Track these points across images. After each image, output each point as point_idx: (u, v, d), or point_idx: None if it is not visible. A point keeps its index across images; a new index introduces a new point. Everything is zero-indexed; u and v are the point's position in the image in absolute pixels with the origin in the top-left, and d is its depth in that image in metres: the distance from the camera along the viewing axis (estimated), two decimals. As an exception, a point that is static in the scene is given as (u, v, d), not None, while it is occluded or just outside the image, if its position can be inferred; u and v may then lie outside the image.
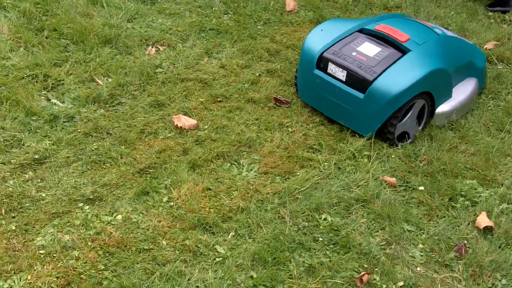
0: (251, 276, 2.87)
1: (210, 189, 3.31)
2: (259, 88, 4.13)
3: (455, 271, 2.99)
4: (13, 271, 2.80)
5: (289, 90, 4.13)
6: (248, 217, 3.17)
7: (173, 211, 3.17)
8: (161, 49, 4.42)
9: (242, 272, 2.89)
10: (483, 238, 3.15)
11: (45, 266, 2.83)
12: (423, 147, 3.68)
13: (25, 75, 3.98)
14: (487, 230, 3.19)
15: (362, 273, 2.91)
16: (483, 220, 3.21)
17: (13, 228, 3.00)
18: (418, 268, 2.99)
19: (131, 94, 3.96)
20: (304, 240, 3.06)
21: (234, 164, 3.51)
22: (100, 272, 2.83)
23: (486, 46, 4.73)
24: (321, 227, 3.15)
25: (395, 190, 3.42)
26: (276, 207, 3.24)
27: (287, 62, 4.41)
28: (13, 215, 3.07)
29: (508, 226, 3.20)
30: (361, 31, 3.93)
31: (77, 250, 2.92)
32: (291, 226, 3.14)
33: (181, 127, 3.70)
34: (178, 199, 3.23)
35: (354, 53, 3.74)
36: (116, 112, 3.80)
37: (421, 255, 3.05)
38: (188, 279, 2.82)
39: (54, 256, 2.88)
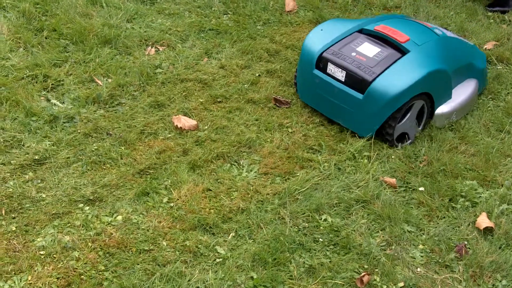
0: (252, 277, 2.87)
1: (210, 190, 3.31)
2: (258, 88, 4.13)
3: (455, 271, 2.99)
4: (13, 272, 2.79)
5: (289, 91, 4.13)
6: (248, 218, 3.17)
7: (173, 211, 3.16)
8: (160, 49, 4.41)
9: (242, 273, 2.89)
10: (483, 239, 3.15)
11: (46, 267, 2.83)
12: (423, 148, 3.69)
13: (25, 76, 3.97)
14: (487, 230, 3.19)
15: (363, 273, 2.91)
16: (483, 221, 3.21)
17: (14, 228, 3.00)
18: (419, 269, 2.99)
19: (131, 94, 3.95)
20: (304, 240, 3.06)
21: (234, 165, 3.51)
22: (100, 272, 2.83)
23: (485, 47, 4.73)
24: (321, 227, 3.15)
25: (395, 190, 3.42)
26: (276, 207, 3.24)
27: (286, 63, 4.41)
28: (13, 215, 3.07)
29: (508, 227, 3.20)
30: (361, 31, 3.93)
31: (78, 251, 2.91)
32: (291, 226, 3.14)
33: (181, 127, 3.70)
34: (178, 199, 3.23)
35: (353, 54, 3.74)
36: (116, 112, 3.80)
37: (422, 256, 3.05)
38: (189, 280, 2.82)
39: (54, 257, 2.88)
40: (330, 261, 2.98)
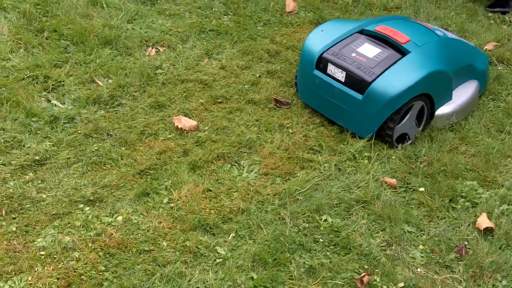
0: (252, 277, 2.87)
1: (210, 190, 3.31)
2: (259, 89, 4.13)
3: (455, 272, 2.99)
4: (13, 272, 2.80)
5: (289, 91, 4.13)
6: (248, 218, 3.17)
7: (174, 212, 3.17)
8: (161, 50, 4.42)
9: (242, 273, 2.89)
10: (484, 239, 3.15)
11: (46, 267, 2.83)
12: (423, 148, 3.69)
13: (25, 76, 3.98)
14: (488, 231, 3.19)
15: (363, 274, 2.91)
16: (484, 221, 3.21)
17: (14, 229, 3.00)
18: (419, 269, 2.99)
19: (131, 95, 3.96)
20: (304, 241, 3.06)
21: (235, 165, 3.51)
22: (100, 273, 2.84)
23: (486, 47, 4.74)
24: (322, 228, 3.15)
25: (396, 191, 3.42)
26: (277, 208, 3.24)
27: (287, 63, 4.41)
28: (13, 216, 3.07)
29: (508, 227, 3.20)
30: (362, 32, 3.93)
31: (78, 251, 2.92)
32: (291, 227, 3.14)
33: (181, 128, 3.70)
34: (178, 200, 3.24)
35: (353, 54, 3.74)
36: (116, 113, 3.80)
37: (422, 256, 3.05)
38: (189, 280, 2.82)
39: (54, 257, 2.88)
40: (330, 262, 2.98)
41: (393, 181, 3.45)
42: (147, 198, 3.24)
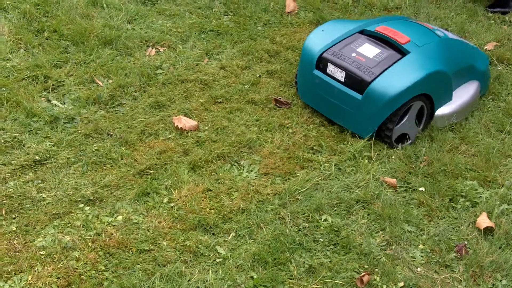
0: (252, 277, 2.87)
1: (210, 190, 3.32)
2: (259, 89, 4.13)
3: (455, 271, 2.99)
4: (13, 272, 2.80)
5: (289, 91, 4.13)
6: (248, 218, 3.17)
7: (174, 212, 3.17)
8: (161, 50, 4.42)
9: (242, 273, 2.89)
10: (484, 239, 3.15)
11: (46, 267, 2.83)
12: (423, 148, 3.69)
13: (26, 76, 3.98)
14: (488, 230, 3.19)
15: (363, 273, 2.91)
16: (484, 221, 3.21)
17: (14, 229, 3.00)
18: (419, 269, 2.99)
19: (132, 95, 3.96)
20: (304, 240, 3.06)
21: (235, 165, 3.51)
22: (100, 272, 2.84)
23: (486, 47, 4.74)
24: (322, 227, 3.15)
25: (396, 191, 3.42)
26: (277, 208, 3.24)
27: (287, 63, 4.41)
28: (13, 216, 3.07)
29: (508, 227, 3.20)
30: (362, 32, 3.93)
31: (78, 251, 2.92)
32: (291, 227, 3.14)
33: (181, 128, 3.70)
34: (178, 200, 3.24)
35: (353, 54, 3.74)
36: (116, 113, 3.80)
37: (422, 256, 3.05)
38: (189, 280, 2.82)
39: (54, 257, 2.88)
40: (330, 261, 2.98)
41: (393, 180, 3.45)
42: (147, 198, 3.24)
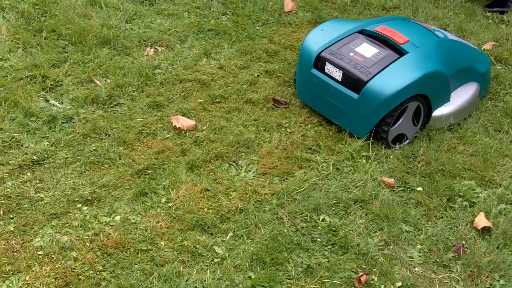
0: (249, 277, 2.87)
1: (208, 190, 3.32)
2: (257, 88, 4.13)
3: (453, 271, 2.99)
4: (11, 272, 2.80)
5: (288, 91, 4.13)
6: (246, 218, 3.17)
7: (172, 212, 3.17)
8: (159, 50, 4.42)
9: (240, 273, 2.89)
10: (481, 239, 3.15)
11: (44, 267, 2.83)
12: (421, 148, 3.69)
13: (24, 76, 3.98)
14: (485, 230, 3.20)
15: (360, 273, 2.91)
16: (481, 221, 3.22)
17: (12, 229, 3.00)
18: (416, 269, 2.99)
19: (130, 95, 3.96)
20: (302, 240, 3.07)
21: (233, 165, 3.51)
22: (98, 273, 2.84)
23: (484, 47, 4.74)
24: (319, 227, 3.15)
25: (393, 190, 3.42)
26: (275, 207, 3.24)
27: (285, 63, 4.41)
28: (11, 216, 3.07)
29: (506, 227, 3.20)
30: (361, 32, 3.93)
31: (76, 251, 2.92)
32: (289, 226, 3.14)
33: (179, 128, 3.70)
34: (176, 200, 3.24)
35: (351, 54, 3.74)
36: (114, 113, 3.80)
37: (419, 256, 3.06)
38: (186, 280, 2.83)
39: (52, 257, 2.88)
40: (328, 261, 2.98)
41: (391, 180, 3.45)
42: (145, 198, 3.24)
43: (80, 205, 3.16)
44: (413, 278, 2.93)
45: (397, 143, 3.75)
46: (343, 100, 3.70)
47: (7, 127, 3.57)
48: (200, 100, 3.97)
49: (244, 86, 4.14)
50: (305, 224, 3.17)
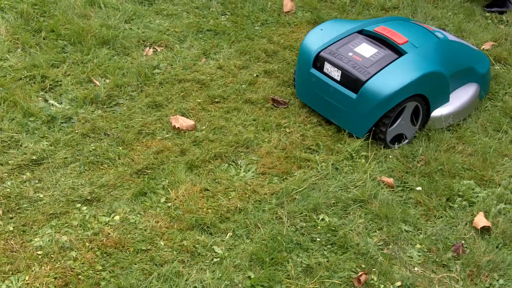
0: (249, 277, 2.87)
1: (207, 190, 3.32)
2: (256, 88, 4.13)
3: (452, 271, 2.99)
4: (10, 272, 2.80)
5: (287, 91, 4.13)
6: (245, 218, 3.17)
7: (171, 211, 3.17)
8: (158, 50, 4.42)
9: (239, 273, 2.89)
10: (481, 238, 3.15)
11: (43, 267, 2.83)
12: (420, 148, 3.69)
13: (23, 76, 3.98)
14: (485, 230, 3.20)
15: (360, 273, 2.91)
16: (481, 220, 3.22)
17: (11, 229, 3.00)
18: (416, 268, 2.99)
19: (129, 95, 3.96)
20: (301, 240, 3.07)
21: (232, 165, 3.51)
22: (97, 272, 2.83)
23: (483, 47, 4.74)
24: (319, 227, 3.15)
25: (393, 190, 3.42)
26: (274, 207, 3.24)
27: (284, 63, 4.41)
28: (10, 216, 3.07)
29: (505, 226, 3.20)
30: (361, 32, 3.93)
31: (75, 251, 2.92)
32: (288, 226, 3.14)
33: (178, 128, 3.70)
34: (175, 199, 3.24)
35: (350, 54, 3.74)
36: (113, 113, 3.80)
37: (419, 255, 3.06)
38: (186, 280, 2.83)
39: (51, 257, 2.88)
40: (327, 261, 2.98)
41: (390, 180, 3.45)
42: (145, 198, 3.24)
43: (79, 205, 3.16)
44: (412, 277, 2.93)
45: (396, 143, 3.75)
46: (341, 100, 3.70)
47: (6, 127, 3.57)
48: (199, 100, 3.97)
49: (243, 86, 4.14)
50: (304, 224, 3.17)
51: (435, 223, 3.24)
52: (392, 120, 3.64)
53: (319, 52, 3.82)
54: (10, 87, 3.86)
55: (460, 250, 3.07)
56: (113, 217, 3.11)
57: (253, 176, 3.44)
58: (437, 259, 3.04)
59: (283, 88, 4.16)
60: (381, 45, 3.79)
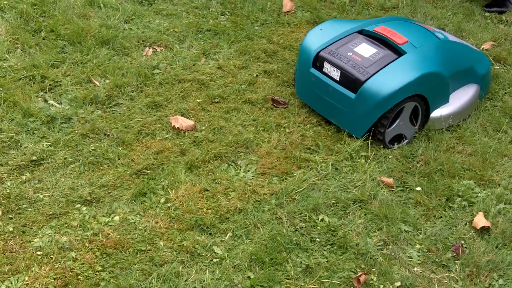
0: (249, 277, 2.87)
1: (207, 190, 3.32)
2: (256, 89, 4.13)
3: (452, 271, 2.99)
4: (10, 273, 2.80)
5: (286, 91, 4.13)
6: (245, 218, 3.17)
7: (171, 212, 3.17)
8: (158, 50, 4.42)
9: (239, 273, 2.89)
10: (480, 238, 3.16)
11: (43, 267, 2.83)
12: (420, 148, 3.69)
13: (22, 77, 3.98)
14: (484, 230, 3.20)
15: (359, 273, 2.91)
16: (480, 220, 3.22)
17: (11, 229, 3.00)
18: (415, 268, 2.99)
19: (129, 95, 3.96)
20: (301, 240, 3.07)
21: (232, 165, 3.51)
22: (97, 273, 2.84)
23: (483, 47, 4.74)
24: (319, 227, 3.15)
25: (392, 190, 3.42)
26: (274, 207, 3.24)
27: (284, 63, 4.41)
28: (10, 216, 3.07)
29: (505, 226, 3.20)
30: (361, 32, 3.93)
31: (75, 251, 2.92)
32: (288, 226, 3.14)
33: (178, 128, 3.70)
34: (175, 200, 3.24)
35: (350, 53, 3.74)
36: (113, 113, 3.80)
37: (418, 255, 3.06)
38: (186, 280, 2.83)
39: (51, 257, 2.88)
40: (327, 261, 2.98)
41: (390, 180, 3.45)
42: (144, 198, 3.24)
43: (79, 205, 3.16)
44: (412, 278, 2.93)
45: (396, 143, 3.75)
46: (340, 100, 3.70)
47: (6, 127, 3.57)
48: (199, 100, 3.97)
49: (243, 86, 4.14)
50: (304, 224, 3.17)
51: (435, 223, 3.24)
52: (390, 121, 3.64)
53: (319, 52, 3.82)
54: (10, 88, 3.86)
55: (460, 250, 3.07)
56: (112, 218, 3.11)
57: (252, 176, 3.44)
58: (436, 259, 3.04)
59: (282, 88, 4.16)
60: (381, 45, 3.79)
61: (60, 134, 3.58)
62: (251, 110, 3.93)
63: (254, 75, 4.26)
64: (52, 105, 3.80)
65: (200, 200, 3.25)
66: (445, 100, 3.84)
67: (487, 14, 5.24)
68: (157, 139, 3.63)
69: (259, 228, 3.13)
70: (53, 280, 2.78)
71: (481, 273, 2.98)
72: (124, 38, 4.43)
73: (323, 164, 3.55)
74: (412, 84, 3.58)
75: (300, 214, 3.22)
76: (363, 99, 3.60)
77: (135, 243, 2.98)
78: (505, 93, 4.28)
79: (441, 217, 3.28)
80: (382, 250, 3.07)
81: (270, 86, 4.15)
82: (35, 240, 2.96)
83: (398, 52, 3.74)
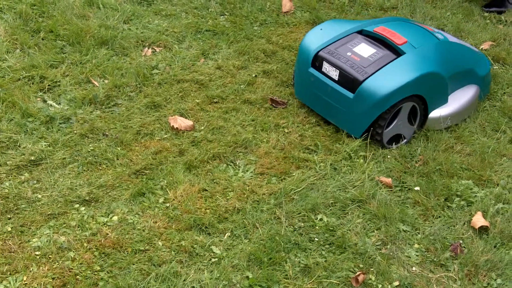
0: (247, 277, 2.87)
1: (206, 190, 3.32)
2: (255, 89, 4.13)
3: (450, 270, 2.99)
4: (8, 272, 2.80)
5: (285, 91, 4.13)
6: (244, 218, 3.17)
7: (169, 212, 3.17)
8: (157, 50, 4.42)
9: (238, 273, 2.89)
10: (479, 238, 3.16)
11: (41, 267, 2.83)
12: (419, 148, 3.69)
13: (21, 77, 3.98)
14: (483, 230, 3.20)
15: (358, 273, 2.91)
16: (479, 220, 3.22)
17: (9, 229, 3.00)
18: (414, 268, 2.99)
19: (127, 95, 3.96)
20: (300, 240, 3.07)
21: (230, 165, 3.51)
22: (95, 273, 2.84)
23: (482, 47, 4.74)
24: (317, 227, 3.15)
25: (391, 190, 3.42)
26: (272, 207, 3.24)
27: (283, 63, 4.41)
28: (9, 216, 3.07)
29: (503, 226, 3.20)
30: (360, 32, 3.93)
31: (73, 251, 2.92)
32: (287, 226, 3.14)
33: (177, 128, 3.70)
34: (174, 200, 3.24)
35: (349, 53, 3.74)
36: (112, 113, 3.80)
37: (417, 255, 3.06)
38: (184, 280, 2.83)
39: (49, 257, 2.88)
40: (325, 261, 2.98)
41: (389, 180, 3.46)
42: (143, 198, 3.24)
43: (77, 205, 3.16)
44: (410, 277, 2.93)
45: (394, 143, 3.75)
46: (339, 100, 3.70)
47: (5, 127, 3.57)
48: (197, 101, 3.97)
49: (242, 86, 4.14)
50: (302, 224, 3.17)
51: (433, 223, 3.24)
52: (388, 121, 3.63)
53: (318, 51, 3.82)
54: (9, 88, 3.86)
55: (458, 250, 3.07)
56: (111, 218, 3.11)
57: (251, 176, 3.44)
58: (435, 259, 3.04)
59: (281, 88, 4.16)
60: (380, 46, 3.79)
61: (59, 134, 3.58)
62: (250, 110, 3.93)
63: (253, 75, 4.27)
64: (51, 105, 3.80)
65: (198, 200, 3.25)
66: (443, 100, 3.84)
67: (486, 14, 5.24)
68: (156, 139, 3.63)
69: (257, 228, 3.13)
70: (51, 280, 2.78)
71: (479, 273, 2.98)
72: (123, 39, 4.44)
73: (321, 164, 3.55)
74: (410, 85, 3.58)
75: (298, 214, 3.22)
76: (361, 99, 3.60)
77: (133, 243, 2.98)
78: (504, 93, 4.28)
79: (439, 216, 3.28)
80: (380, 249, 3.07)
81: (269, 86, 4.16)
82: (34, 240, 2.96)
83: (397, 52, 3.75)
